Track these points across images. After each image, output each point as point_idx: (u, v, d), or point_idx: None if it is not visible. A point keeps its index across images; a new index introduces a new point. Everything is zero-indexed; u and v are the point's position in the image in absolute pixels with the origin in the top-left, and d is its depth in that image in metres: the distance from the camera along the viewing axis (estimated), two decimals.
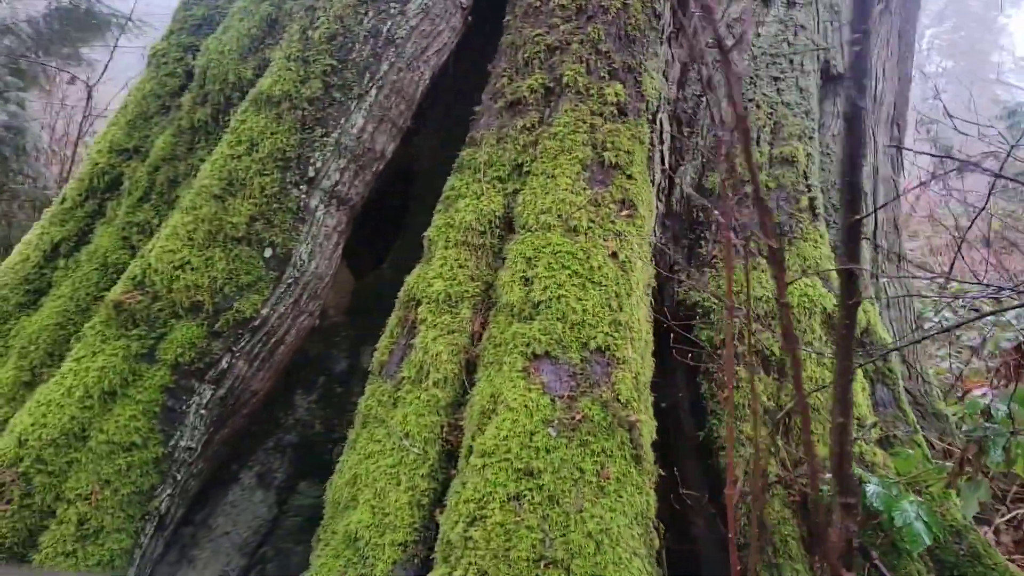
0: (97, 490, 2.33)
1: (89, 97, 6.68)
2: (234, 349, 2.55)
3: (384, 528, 1.95)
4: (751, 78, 2.97)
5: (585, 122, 2.47)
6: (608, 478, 1.87)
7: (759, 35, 3.02)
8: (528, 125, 2.53)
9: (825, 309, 2.69)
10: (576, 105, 2.51)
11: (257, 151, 2.60)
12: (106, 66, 6.75)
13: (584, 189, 2.36)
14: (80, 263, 2.85)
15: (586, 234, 2.28)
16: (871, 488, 2.27)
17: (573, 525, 1.77)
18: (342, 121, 2.64)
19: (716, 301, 2.68)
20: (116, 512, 2.34)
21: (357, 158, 2.68)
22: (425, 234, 2.51)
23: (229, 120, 2.83)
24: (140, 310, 2.47)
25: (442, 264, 2.37)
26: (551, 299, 2.15)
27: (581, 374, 2.05)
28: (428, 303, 2.32)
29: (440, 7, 2.78)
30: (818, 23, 3.11)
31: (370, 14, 2.67)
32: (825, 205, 3.08)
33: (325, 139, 2.62)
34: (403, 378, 2.25)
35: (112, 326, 2.47)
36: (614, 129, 2.49)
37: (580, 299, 2.16)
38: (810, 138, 2.98)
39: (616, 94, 2.54)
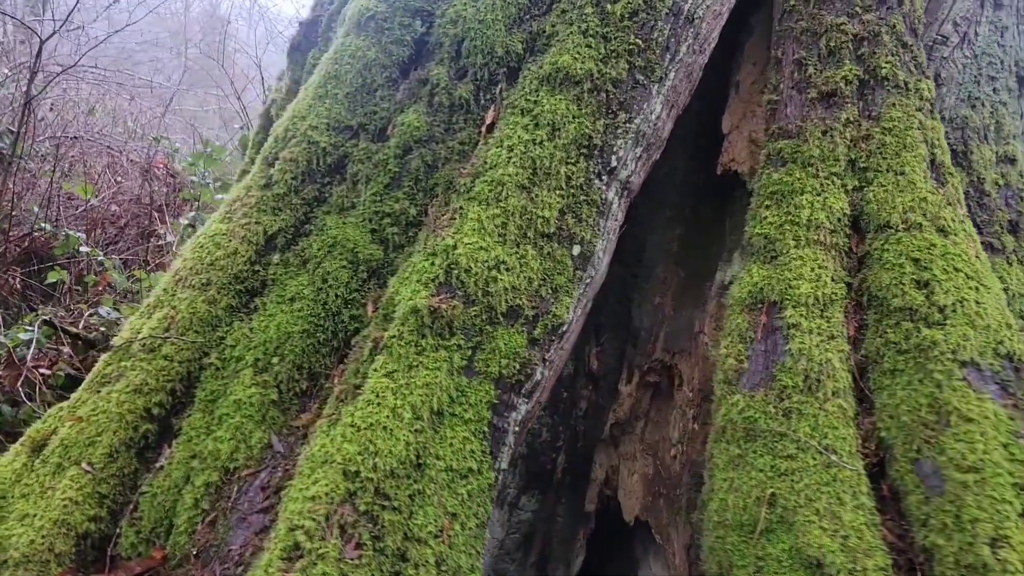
0: (447, 525, 2.02)
1: (39, 53, 5.74)
2: (546, 358, 2.29)
3: (853, 552, 1.83)
4: (975, 76, 3.02)
5: (915, 118, 2.41)
6: None
7: (977, 35, 3.07)
8: (850, 119, 2.43)
9: None
10: (899, 100, 2.44)
11: (559, 136, 2.33)
12: (67, 17, 5.83)
13: (936, 188, 2.31)
14: (313, 259, 2.44)
15: (955, 234, 2.23)
16: None
17: None
18: (644, 106, 2.42)
19: None
20: (468, 549, 2.05)
21: (649, 146, 2.47)
22: (757, 232, 2.36)
23: (491, 98, 2.52)
24: (456, 316, 2.16)
25: (800, 265, 2.24)
26: (955, 303, 2.09)
27: (1006, 380, 2.01)
28: (796, 307, 2.19)
29: None
30: (1016, 24, 3.20)
31: None
32: None
33: (628, 125, 2.39)
34: (785, 387, 2.11)
35: (426, 335, 2.14)
36: (935, 126, 2.45)
37: (979, 303, 2.11)
38: (1019, 138, 3.07)
39: (929, 90, 2.50)
